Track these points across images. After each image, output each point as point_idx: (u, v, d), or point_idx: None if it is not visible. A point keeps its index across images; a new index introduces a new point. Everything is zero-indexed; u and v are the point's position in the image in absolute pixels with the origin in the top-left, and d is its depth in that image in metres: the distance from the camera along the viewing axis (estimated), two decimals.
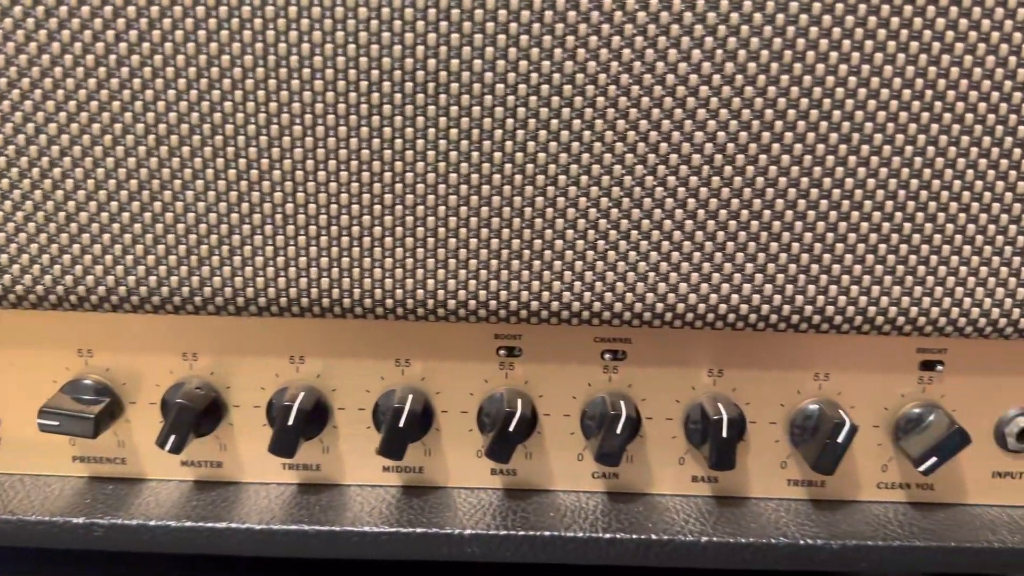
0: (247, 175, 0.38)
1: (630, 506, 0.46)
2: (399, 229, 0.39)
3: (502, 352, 0.45)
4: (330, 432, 0.46)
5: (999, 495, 0.47)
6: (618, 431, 0.42)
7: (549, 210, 0.39)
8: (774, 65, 0.37)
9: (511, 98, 0.37)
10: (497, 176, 0.38)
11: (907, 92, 0.37)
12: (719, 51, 0.37)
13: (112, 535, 0.43)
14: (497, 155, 0.38)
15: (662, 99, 0.37)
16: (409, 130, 0.38)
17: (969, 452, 0.43)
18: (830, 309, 0.40)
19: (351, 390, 0.45)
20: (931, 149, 0.38)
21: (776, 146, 0.38)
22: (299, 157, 0.38)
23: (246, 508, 0.44)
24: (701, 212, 0.39)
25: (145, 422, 0.46)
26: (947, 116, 0.37)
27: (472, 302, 0.40)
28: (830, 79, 0.37)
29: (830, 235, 0.39)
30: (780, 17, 0.36)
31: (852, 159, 0.38)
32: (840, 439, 0.42)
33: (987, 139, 0.38)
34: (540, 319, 0.41)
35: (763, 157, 0.38)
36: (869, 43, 0.36)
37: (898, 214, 0.38)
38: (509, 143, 0.38)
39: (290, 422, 0.42)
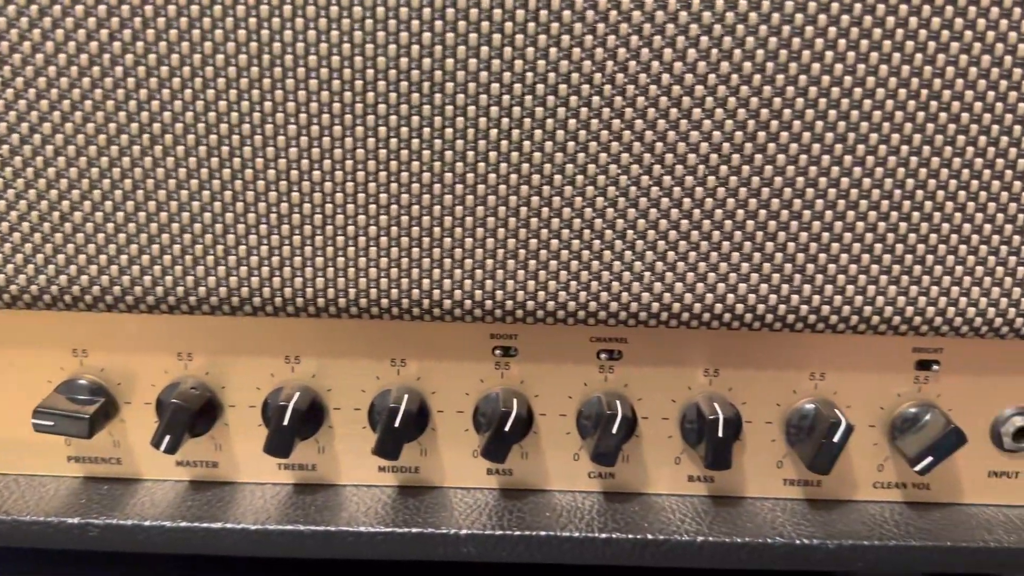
0: (242, 174, 0.38)
1: (626, 506, 0.46)
2: (394, 228, 0.39)
3: (498, 352, 0.45)
4: (326, 432, 0.46)
5: (995, 495, 0.47)
6: (614, 431, 0.42)
7: (545, 209, 0.39)
8: (769, 65, 0.37)
9: (506, 97, 0.37)
10: (492, 175, 0.38)
11: (903, 92, 0.37)
12: (714, 50, 0.36)
13: (107, 535, 0.43)
14: (492, 154, 0.38)
15: (658, 99, 0.37)
16: (404, 129, 0.38)
17: (965, 452, 0.43)
18: (826, 308, 0.40)
19: (347, 390, 0.45)
20: (927, 149, 0.38)
21: (772, 146, 0.38)
22: (294, 156, 0.38)
23: (241, 508, 0.44)
24: (697, 212, 0.38)
25: (140, 422, 0.46)
26: (943, 116, 0.37)
27: (468, 302, 0.40)
28: (826, 79, 0.37)
29: (826, 235, 0.39)
30: (776, 16, 0.36)
31: (848, 159, 0.38)
32: (836, 439, 0.42)
33: (983, 139, 0.38)
34: (536, 319, 0.41)
35: (759, 157, 0.38)
36: (865, 43, 0.36)
37: (894, 213, 0.38)
38: (504, 142, 0.38)
39: (285, 422, 0.42)
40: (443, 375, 0.45)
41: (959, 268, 0.39)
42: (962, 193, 0.38)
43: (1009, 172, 0.38)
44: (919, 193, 0.38)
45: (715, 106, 0.37)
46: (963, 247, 0.39)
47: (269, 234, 0.39)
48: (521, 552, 0.43)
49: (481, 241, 0.39)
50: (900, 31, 0.36)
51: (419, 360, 0.45)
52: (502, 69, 0.37)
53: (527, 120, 0.37)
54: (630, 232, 0.39)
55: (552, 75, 0.37)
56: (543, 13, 0.36)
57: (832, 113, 0.37)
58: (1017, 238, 0.39)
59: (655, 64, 0.37)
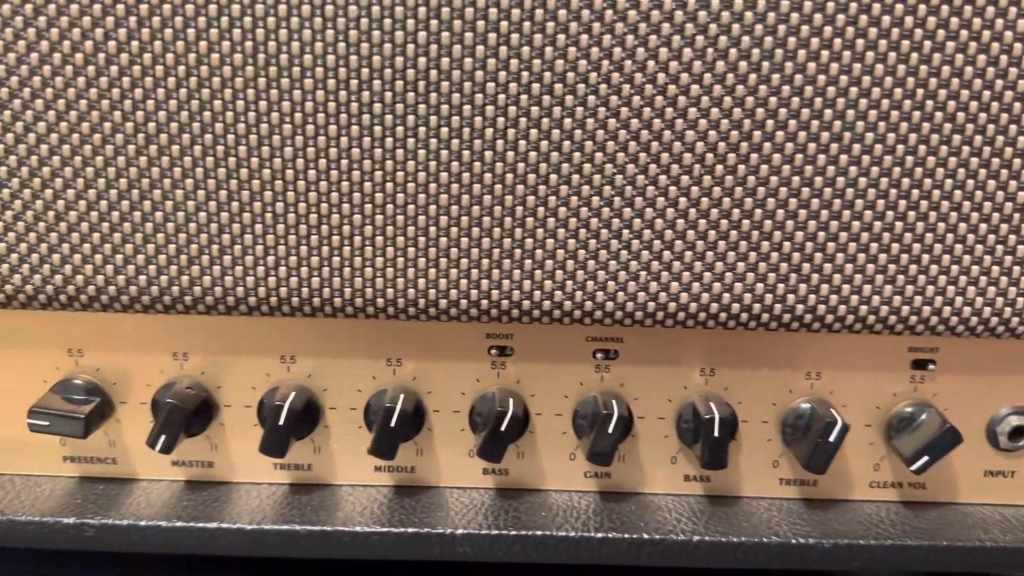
0: (237, 174, 0.38)
1: (622, 505, 0.46)
2: (389, 228, 0.39)
3: (494, 351, 0.45)
4: (321, 432, 0.46)
5: (991, 494, 0.47)
6: (610, 430, 0.42)
7: (540, 209, 0.39)
8: (765, 64, 0.37)
9: (501, 96, 0.37)
10: (488, 175, 0.38)
11: (899, 91, 0.37)
12: (710, 49, 0.36)
13: (103, 535, 0.43)
14: (488, 154, 0.38)
15: (653, 98, 0.37)
16: (399, 128, 0.38)
17: (961, 451, 0.43)
18: (821, 308, 0.40)
19: (342, 390, 0.45)
20: (922, 148, 0.38)
21: (767, 145, 0.38)
22: (289, 156, 0.38)
23: (237, 508, 0.44)
24: (692, 211, 0.38)
25: (136, 422, 0.46)
26: (939, 115, 0.37)
27: (463, 301, 0.40)
28: (821, 78, 0.37)
29: (821, 234, 0.39)
30: (771, 16, 0.36)
31: (843, 158, 0.38)
32: (832, 438, 0.42)
33: (978, 138, 0.38)
34: (532, 318, 0.40)
35: (754, 156, 0.38)
36: (861, 42, 0.36)
37: (889, 213, 0.38)
38: (500, 141, 0.38)
39: (281, 422, 0.42)
40: (439, 375, 0.45)
41: (955, 267, 0.39)
42: (958, 192, 0.38)
43: (1005, 171, 0.38)
44: (915, 192, 0.38)
45: (711, 106, 0.37)
46: (959, 246, 0.39)
47: (264, 233, 0.39)
48: (517, 552, 0.43)
49: (477, 240, 0.39)
50: (896, 31, 0.36)
51: (415, 360, 0.45)
52: (497, 68, 0.37)
53: (522, 119, 0.37)
54: (626, 231, 0.39)
55: (547, 74, 0.37)
56: (538, 12, 0.36)
57: (828, 113, 0.37)
58: (1013, 237, 0.39)
59: (651, 63, 0.37)
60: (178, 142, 0.38)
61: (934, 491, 0.47)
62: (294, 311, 0.40)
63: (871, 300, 0.40)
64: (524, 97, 0.37)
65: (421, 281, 0.40)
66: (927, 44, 0.36)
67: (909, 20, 0.36)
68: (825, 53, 0.36)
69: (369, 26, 0.36)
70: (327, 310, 0.40)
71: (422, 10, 0.36)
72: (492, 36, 0.36)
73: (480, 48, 0.37)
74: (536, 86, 0.37)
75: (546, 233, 0.39)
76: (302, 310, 0.40)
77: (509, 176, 0.38)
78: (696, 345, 0.44)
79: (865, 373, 0.45)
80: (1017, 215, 0.38)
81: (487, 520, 0.44)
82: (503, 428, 0.42)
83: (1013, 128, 0.37)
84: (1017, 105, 0.37)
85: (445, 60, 0.37)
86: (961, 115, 0.37)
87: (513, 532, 0.43)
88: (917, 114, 0.37)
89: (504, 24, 0.36)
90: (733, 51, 0.36)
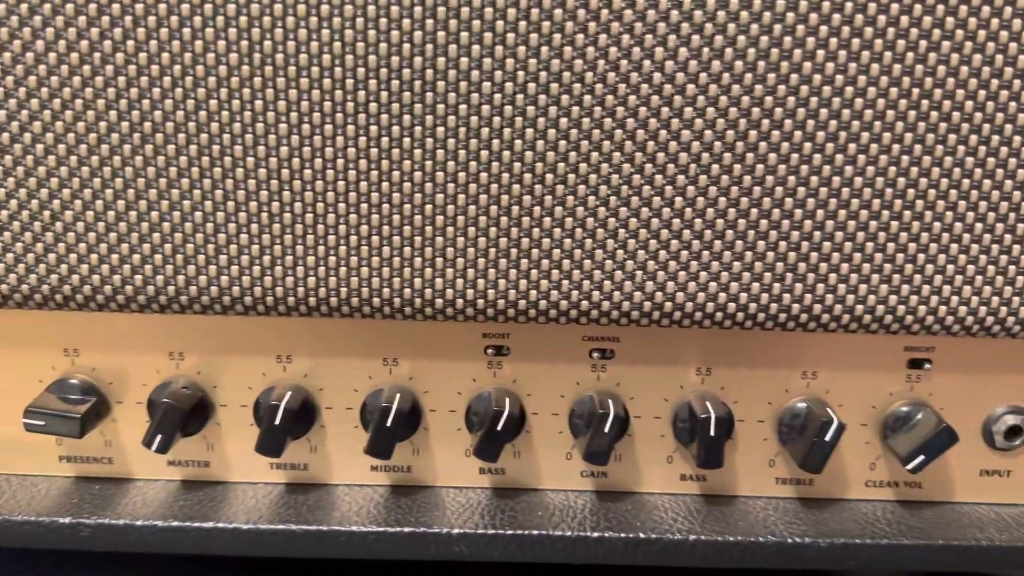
0: (233, 173, 0.38)
1: (618, 505, 0.46)
2: (385, 227, 0.39)
3: (490, 351, 0.45)
4: (318, 431, 0.46)
5: (987, 493, 0.47)
6: (606, 430, 0.42)
7: (537, 208, 0.39)
8: (760, 63, 0.37)
9: (498, 96, 0.37)
10: (484, 174, 0.38)
11: (894, 91, 0.37)
12: (705, 49, 0.36)
13: (99, 535, 0.43)
14: (484, 153, 0.38)
15: (649, 97, 0.37)
16: (395, 128, 0.38)
17: (957, 450, 0.43)
18: (817, 307, 0.40)
19: (339, 389, 0.45)
20: (918, 147, 0.38)
21: (763, 144, 0.38)
22: (285, 155, 0.38)
23: (233, 508, 0.44)
24: (688, 210, 0.38)
25: (132, 422, 0.46)
26: (934, 114, 0.37)
27: (459, 301, 0.40)
28: (817, 77, 0.37)
29: (817, 233, 0.39)
30: (766, 15, 0.36)
31: (839, 157, 0.38)
32: (828, 437, 0.42)
33: (974, 137, 0.38)
34: (528, 318, 0.40)
35: (750, 155, 0.38)
36: (856, 41, 0.36)
37: (885, 212, 0.39)
38: (496, 141, 0.38)
39: (277, 421, 0.42)
40: (435, 374, 0.45)
41: (950, 267, 0.39)
42: (953, 192, 0.38)
43: (1000, 171, 0.38)
44: (910, 192, 0.38)
45: (706, 105, 0.37)
46: (954, 246, 0.39)
47: (260, 233, 0.39)
48: (513, 551, 0.43)
49: (473, 240, 0.39)
50: (891, 30, 0.36)
51: (411, 359, 0.45)
52: (493, 67, 0.37)
53: (518, 119, 0.37)
54: (622, 231, 0.39)
55: (543, 73, 0.37)
56: (534, 12, 0.36)
57: (823, 112, 0.37)
58: (1008, 237, 0.39)
59: (646, 63, 0.37)
60: (174, 141, 0.38)
61: (930, 490, 0.47)
62: (290, 311, 0.40)
63: (867, 299, 0.40)
64: (520, 97, 0.37)
65: (417, 280, 0.40)
66: (923, 44, 0.36)
67: (904, 20, 0.36)
68: (820, 53, 0.37)
69: (365, 25, 0.36)
70: (323, 309, 0.40)
71: (418, 9, 0.36)
72: (488, 35, 0.36)
73: (476, 47, 0.37)
74: (532, 86, 0.37)
75: (542, 232, 0.39)
76: (298, 310, 0.40)
77: (505, 175, 0.38)
78: (692, 344, 0.44)
79: (861, 372, 0.45)
80: (1013, 214, 0.39)
81: (483, 519, 0.44)
82: (499, 427, 0.42)
83: (1009, 128, 0.37)
84: (1012, 105, 0.37)
85: (441, 59, 0.37)
86: (957, 115, 0.37)
87: (509, 531, 0.43)
88: (913, 114, 0.37)
89: (500, 23, 0.36)
90: (729, 50, 0.36)
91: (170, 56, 0.37)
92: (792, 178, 0.38)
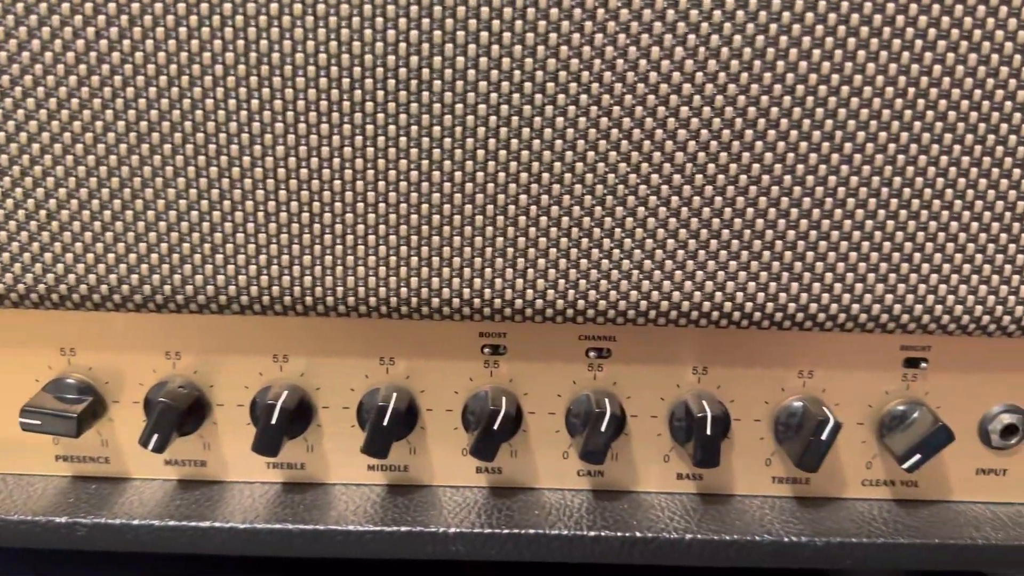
0: (229, 172, 0.38)
1: (615, 504, 0.46)
2: (382, 227, 0.39)
3: (487, 350, 0.45)
4: (314, 431, 0.46)
5: (983, 492, 0.47)
6: (603, 429, 0.42)
7: (533, 207, 0.39)
8: (756, 62, 0.37)
9: (494, 95, 0.37)
10: (480, 173, 0.38)
11: (890, 90, 0.37)
12: (702, 48, 0.36)
13: (95, 534, 0.43)
14: (480, 152, 0.38)
15: (645, 97, 0.37)
16: (391, 127, 0.38)
17: (953, 449, 0.43)
18: (814, 307, 0.40)
19: (335, 388, 0.45)
20: (914, 147, 0.38)
21: (759, 144, 0.38)
22: (281, 154, 0.38)
23: (230, 507, 0.44)
24: (684, 210, 0.38)
25: (128, 421, 0.46)
26: (930, 114, 0.37)
27: (456, 300, 0.40)
28: (813, 76, 0.37)
29: (813, 233, 0.39)
30: (762, 14, 0.36)
31: (835, 157, 0.38)
32: (824, 436, 0.42)
33: (970, 137, 0.38)
34: (524, 317, 0.40)
35: (746, 155, 0.38)
36: (852, 40, 0.36)
37: (881, 211, 0.39)
38: (492, 140, 0.38)
39: (273, 421, 0.42)
40: (432, 373, 0.45)
41: (946, 266, 0.39)
42: (949, 191, 0.38)
43: (996, 170, 0.38)
44: (906, 191, 0.38)
45: (702, 104, 0.37)
46: (950, 244, 0.39)
47: (256, 232, 0.39)
48: (510, 550, 0.43)
49: (469, 239, 0.39)
50: (887, 29, 0.36)
51: (408, 358, 0.45)
52: (489, 67, 0.37)
53: (515, 118, 0.37)
54: (618, 230, 0.39)
55: (540, 73, 0.37)
56: (530, 11, 0.36)
57: (819, 111, 0.37)
58: (1004, 236, 0.39)
59: (642, 62, 0.37)
60: (171, 140, 0.38)
61: (926, 489, 0.47)
62: (286, 310, 0.40)
63: (863, 299, 0.40)
64: (516, 96, 0.37)
65: (414, 280, 0.40)
66: (918, 43, 0.37)
67: (900, 19, 0.36)
68: (816, 52, 0.37)
69: (361, 24, 0.36)
70: (319, 309, 0.40)
71: (414, 8, 0.36)
72: (484, 35, 0.36)
73: (472, 47, 0.37)
74: (528, 85, 0.37)
75: (538, 231, 0.39)
76: (294, 309, 0.40)
77: (501, 175, 0.38)
78: (689, 343, 0.44)
79: (857, 371, 0.45)
80: (1008, 213, 0.39)
81: (480, 518, 0.44)
82: (496, 427, 0.42)
83: (1004, 127, 0.37)
84: (1008, 104, 0.37)
85: (437, 59, 0.37)
86: (952, 114, 0.37)
87: (506, 530, 0.43)
88: (908, 112, 0.37)
89: (496, 23, 0.36)
90: (724, 50, 0.36)
91: (166, 55, 0.37)
92: (788, 177, 0.38)
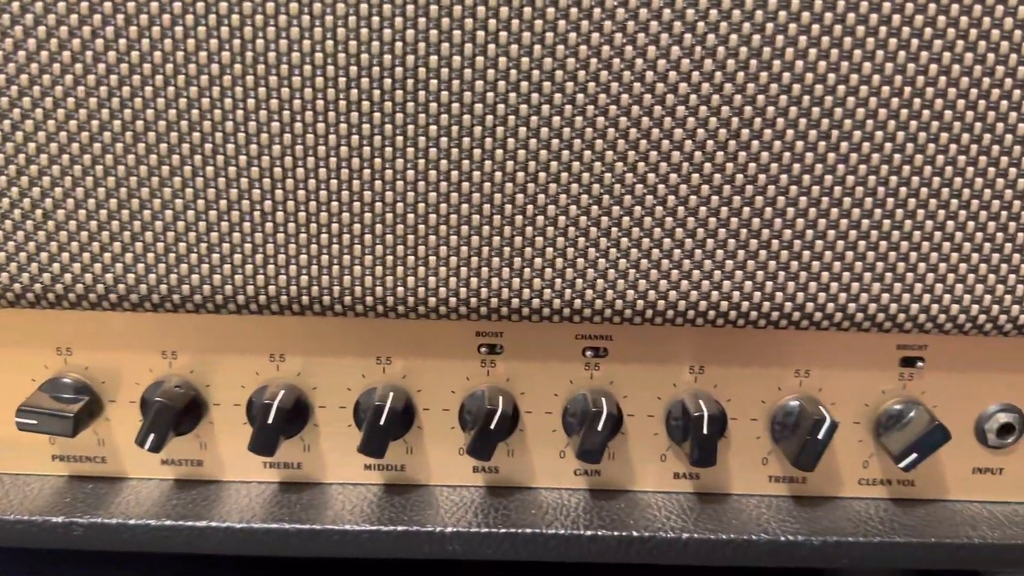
0: (225, 172, 0.38)
1: (612, 503, 0.46)
2: (378, 226, 0.39)
3: (484, 350, 0.45)
4: (311, 430, 0.46)
5: (979, 491, 0.47)
6: (599, 428, 0.42)
7: (530, 207, 0.39)
8: (753, 62, 0.37)
9: (490, 94, 0.37)
10: (477, 173, 0.38)
11: (887, 89, 0.37)
12: (698, 47, 0.36)
13: (92, 534, 0.43)
14: (476, 151, 0.38)
15: (642, 96, 0.37)
16: (388, 126, 0.37)
17: (949, 448, 0.43)
18: (810, 306, 0.40)
19: (332, 388, 0.45)
20: (910, 146, 0.38)
21: (756, 143, 0.38)
22: (278, 154, 0.38)
23: (227, 507, 0.44)
24: (681, 209, 0.38)
25: (125, 420, 0.46)
26: (926, 113, 0.37)
27: (453, 299, 0.40)
28: (809, 76, 0.37)
29: (809, 232, 0.39)
30: (759, 14, 0.36)
31: (832, 156, 0.38)
32: (820, 435, 0.42)
33: (966, 136, 0.38)
34: (521, 316, 0.40)
35: (743, 154, 0.38)
36: (848, 40, 0.36)
37: (877, 211, 0.39)
38: (489, 140, 0.38)
39: (270, 420, 0.42)
40: (429, 373, 0.45)
41: (943, 265, 0.39)
42: (945, 191, 0.38)
43: (992, 169, 0.38)
44: (903, 190, 0.38)
45: (699, 103, 0.37)
46: (947, 244, 0.39)
47: (252, 231, 0.39)
48: (507, 550, 0.43)
49: (466, 238, 0.39)
50: (884, 28, 0.36)
51: (405, 358, 0.45)
52: (486, 66, 0.37)
53: (511, 117, 0.37)
54: (615, 229, 0.39)
55: (536, 72, 0.37)
56: (527, 10, 0.36)
57: (816, 110, 0.37)
58: (1000, 235, 0.39)
59: (639, 61, 0.37)
60: (167, 139, 0.38)
61: (923, 488, 0.47)
62: (283, 309, 0.40)
63: (859, 298, 0.40)
64: (513, 95, 0.37)
65: (410, 279, 0.40)
66: (915, 42, 0.37)
67: (896, 19, 0.36)
68: (813, 51, 0.37)
69: (357, 23, 0.36)
70: (316, 308, 0.40)
71: (410, 8, 0.36)
72: (481, 34, 0.36)
73: (469, 46, 0.37)
74: (524, 84, 0.37)
75: (535, 231, 0.39)
76: (291, 308, 0.40)
77: (498, 174, 0.38)
78: (685, 343, 0.44)
79: (854, 371, 0.45)
80: (1004, 212, 0.39)
81: (477, 518, 0.44)
82: (493, 426, 0.42)
83: (1000, 126, 0.38)
84: (1004, 103, 0.37)
85: (433, 58, 0.37)
86: (949, 112, 0.37)
87: (503, 530, 0.43)
88: (904, 112, 0.37)
89: (493, 22, 0.36)
90: (721, 49, 0.37)
91: (162, 54, 0.37)
92: (784, 176, 0.38)
